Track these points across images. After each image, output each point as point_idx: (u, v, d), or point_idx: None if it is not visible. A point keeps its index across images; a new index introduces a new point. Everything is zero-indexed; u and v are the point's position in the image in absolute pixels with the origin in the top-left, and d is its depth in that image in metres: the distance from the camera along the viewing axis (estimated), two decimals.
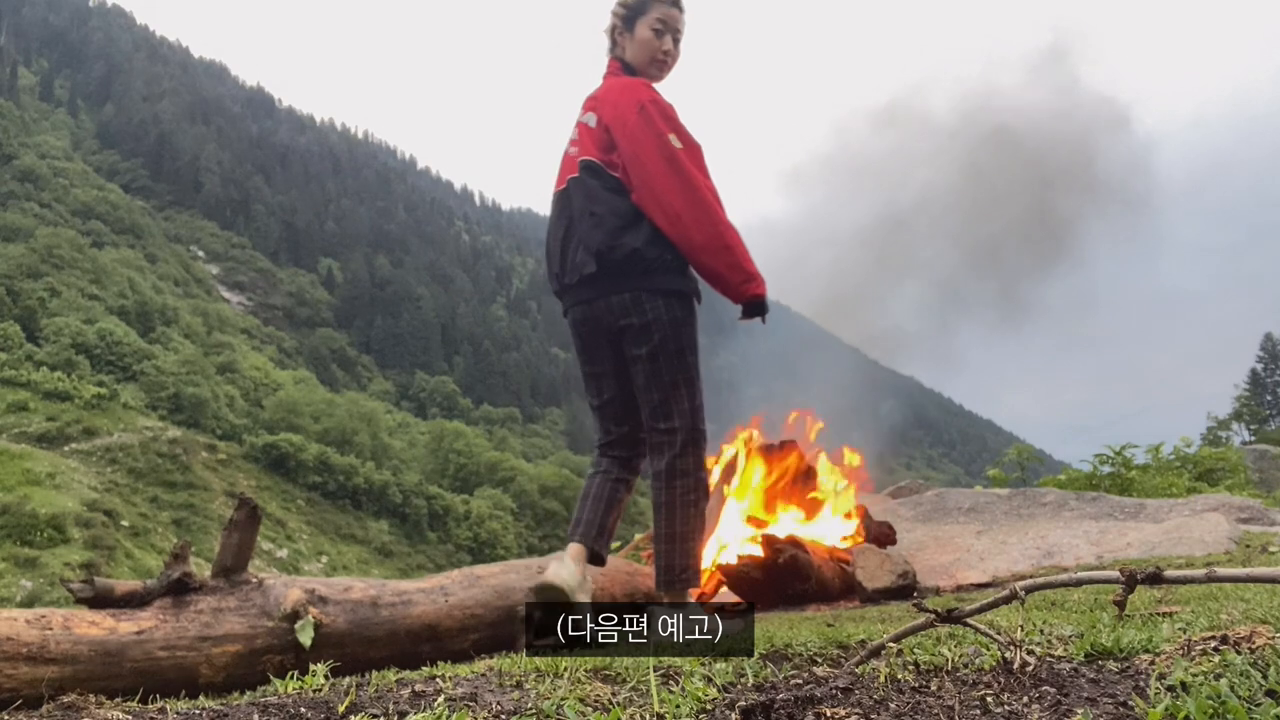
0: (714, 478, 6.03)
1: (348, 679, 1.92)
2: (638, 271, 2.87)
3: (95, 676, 2.20)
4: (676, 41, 3.13)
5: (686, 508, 2.85)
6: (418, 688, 1.72)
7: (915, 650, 1.83)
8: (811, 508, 5.95)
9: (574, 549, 2.91)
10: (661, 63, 3.12)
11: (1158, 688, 1.43)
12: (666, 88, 3.19)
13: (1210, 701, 1.27)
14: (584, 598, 2.76)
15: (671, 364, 2.89)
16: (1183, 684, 1.41)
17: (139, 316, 71.47)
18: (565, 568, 2.82)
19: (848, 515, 5.76)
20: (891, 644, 1.84)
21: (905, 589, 4.50)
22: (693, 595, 2.87)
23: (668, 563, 2.83)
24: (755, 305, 2.92)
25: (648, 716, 1.51)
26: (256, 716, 1.58)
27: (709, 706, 1.55)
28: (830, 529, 5.70)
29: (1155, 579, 1.61)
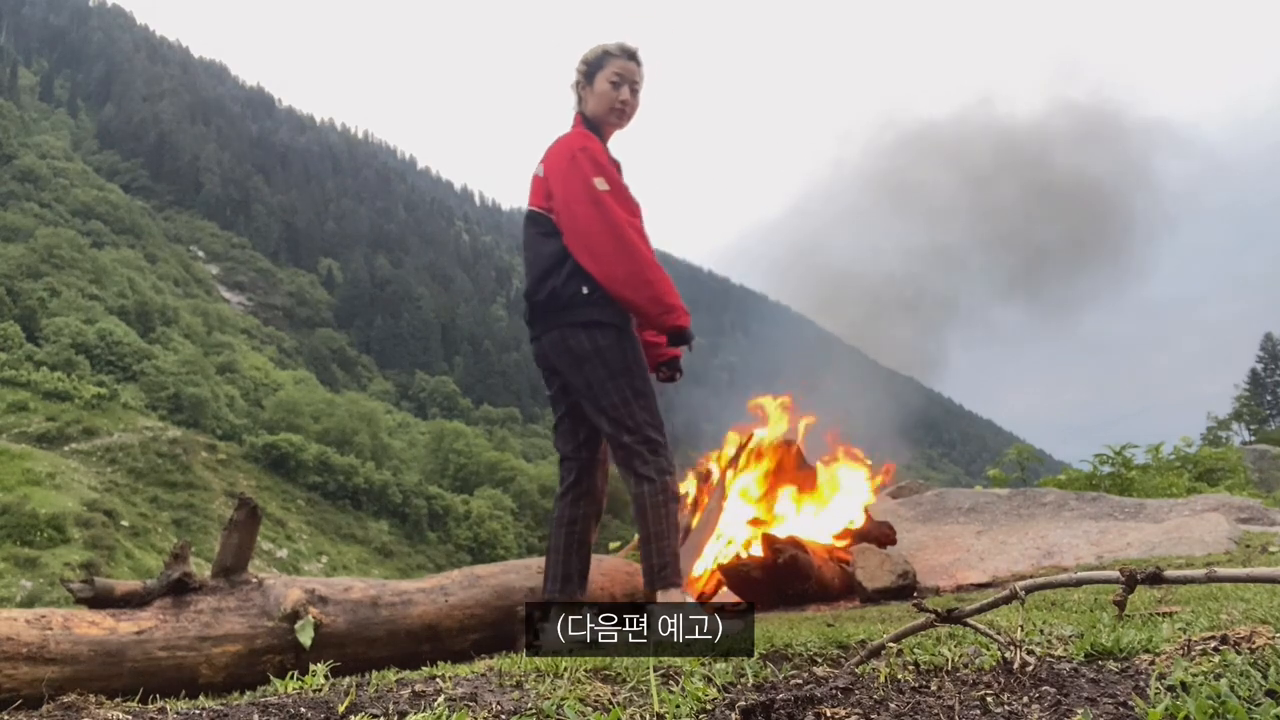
0: (714, 477, 6.03)
1: (348, 679, 1.92)
2: (557, 309, 3.14)
3: (95, 676, 2.20)
4: (634, 92, 3.36)
5: (656, 509, 3.03)
6: (418, 688, 1.72)
7: (915, 650, 1.83)
8: (810, 498, 5.95)
9: None
10: (620, 111, 3.34)
11: (1158, 688, 1.43)
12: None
13: (1210, 701, 1.27)
14: None
15: (607, 389, 3.10)
16: (1183, 684, 1.41)
17: (139, 316, 71.43)
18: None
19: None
20: (891, 644, 1.84)
21: (905, 589, 4.50)
22: (686, 589, 2.98)
23: (647, 564, 3.03)
24: (678, 335, 3.17)
25: (648, 716, 1.51)
26: (256, 716, 1.58)
27: (709, 706, 1.55)
28: (831, 519, 5.70)
29: (1155, 579, 1.61)
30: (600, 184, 3.11)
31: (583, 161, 3.13)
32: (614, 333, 3.13)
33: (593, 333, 3.10)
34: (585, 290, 3.10)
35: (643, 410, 3.11)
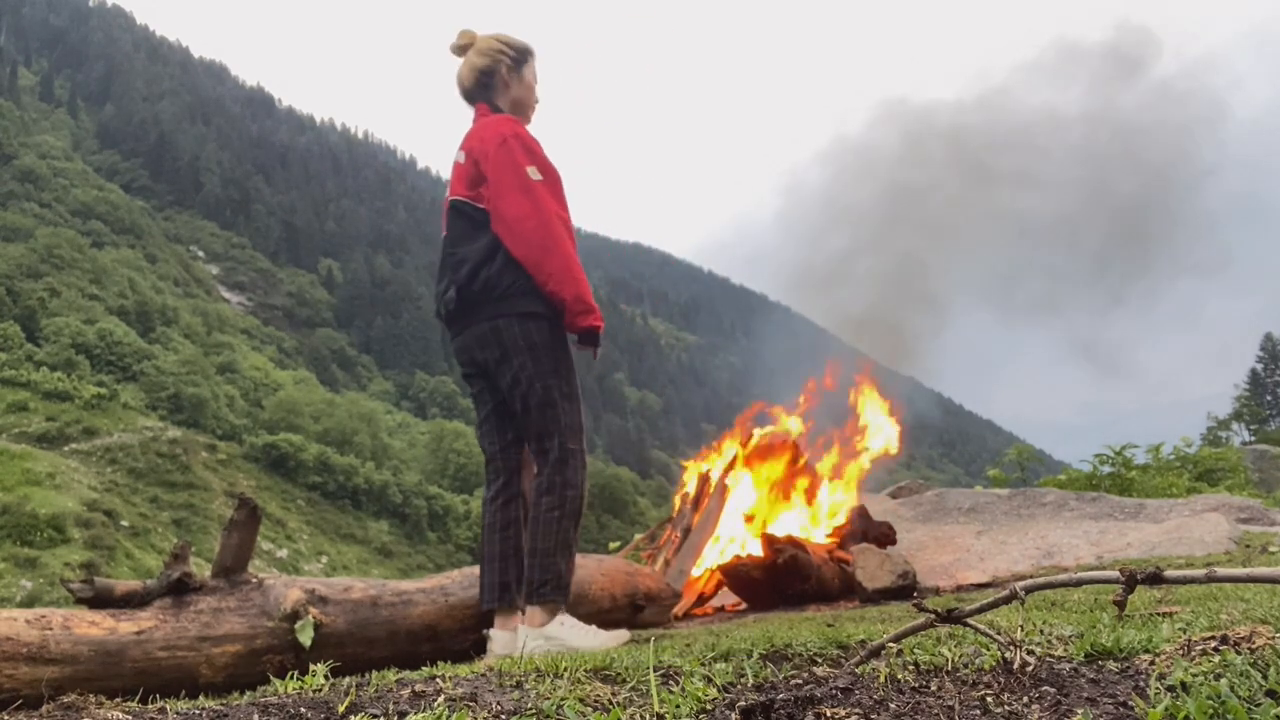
0: (714, 478, 6.03)
1: (348, 679, 1.91)
2: (493, 299, 3.00)
3: (95, 676, 2.20)
4: None
5: (550, 524, 2.94)
6: (418, 688, 1.72)
7: (915, 650, 1.83)
8: (810, 499, 5.96)
9: (499, 616, 3.00)
10: (534, 107, 3.32)
11: (1158, 688, 1.43)
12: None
13: (1210, 701, 1.27)
14: (522, 647, 2.85)
15: (535, 387, 3.00)
16: (1183, 684, 1.41)
17: (139, 316, 71.45)
18: (499, 641, 2.93)
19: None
20: (891, 644, 1.84)
21: (905, 589, 4.49)
22: (550, 611, 2.91)
23: (529, 576, 2.93)
24: (590, 336, 3.07)
25: (648, 716, 1.51)
26: (256, 716, 1.58)
27: (709, 706, 1.55)
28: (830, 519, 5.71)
29: (1155, 579, 1.60)
30: (533, 173, 3.01)
31: (515, 148, 3.02)
32: (548, 326, 3.03)
33: (527, 325, 2.99)
34: (523, 281, 2.99)
35: (567, 414, 3.02)
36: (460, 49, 3.26)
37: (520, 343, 2.99)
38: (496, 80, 3.23)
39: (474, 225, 3.06)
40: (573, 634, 2.84)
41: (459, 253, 3.07)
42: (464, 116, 3.34)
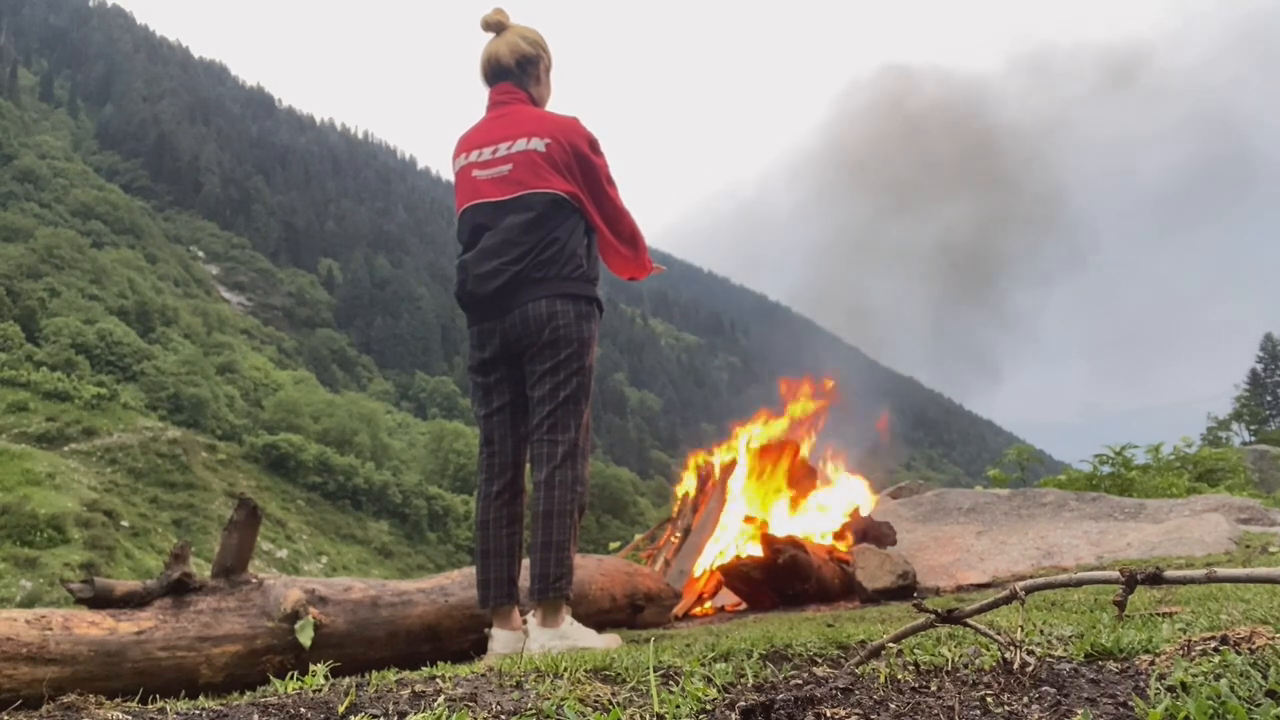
0: (714, 477, 6.03)
1: (348, 679, 1.91)
2: (549, 278, 2.98)
3: (95, 676, 2.20)
4: None
5: (564, 517, 2.90)
6: (418, 688, 1.72)
7: (915, 650, 1.83)
8: (807, 501, 5.96)
9: (499, 614, 2.96)
10: None
11: (1158, 688, 1.43)
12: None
13: (1210, 702, 1.27)
14: (534, 646, 2.82)
15: (571, 381, 3.00)
16: (1183, 684, 1.41)
17: (139, 316, 71.41)
18: (500, 640, 2.90)
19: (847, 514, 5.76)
20: (891, 644, 1.84)
21: (905, 589, 4.50)
22: (562, 608, 2.89)
23: (543, 570, 2.85)
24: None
25: (648, 716, 1.51)
26: (256, 717, 1.58)
27: (709, 706, 1.55)
28: (824, 522, 5.71)
29: (1155, 579, 1.60)
30: (612, 173, 3.22)
31: (599, 147, 3.17)
32: (596, 320, 3.08)
33: (581, 306, 3.00)
34: (583, 267, 3.05)
35: (585, 414, 3.03)
36: (497, 25, 3.24)
37: (574, 331, 2.96)
38: (536, 70, 3.27)
39: (552, 211, 3.01)
40: (583, 634, 2.83)
41: (533, 234, 2.98)
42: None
